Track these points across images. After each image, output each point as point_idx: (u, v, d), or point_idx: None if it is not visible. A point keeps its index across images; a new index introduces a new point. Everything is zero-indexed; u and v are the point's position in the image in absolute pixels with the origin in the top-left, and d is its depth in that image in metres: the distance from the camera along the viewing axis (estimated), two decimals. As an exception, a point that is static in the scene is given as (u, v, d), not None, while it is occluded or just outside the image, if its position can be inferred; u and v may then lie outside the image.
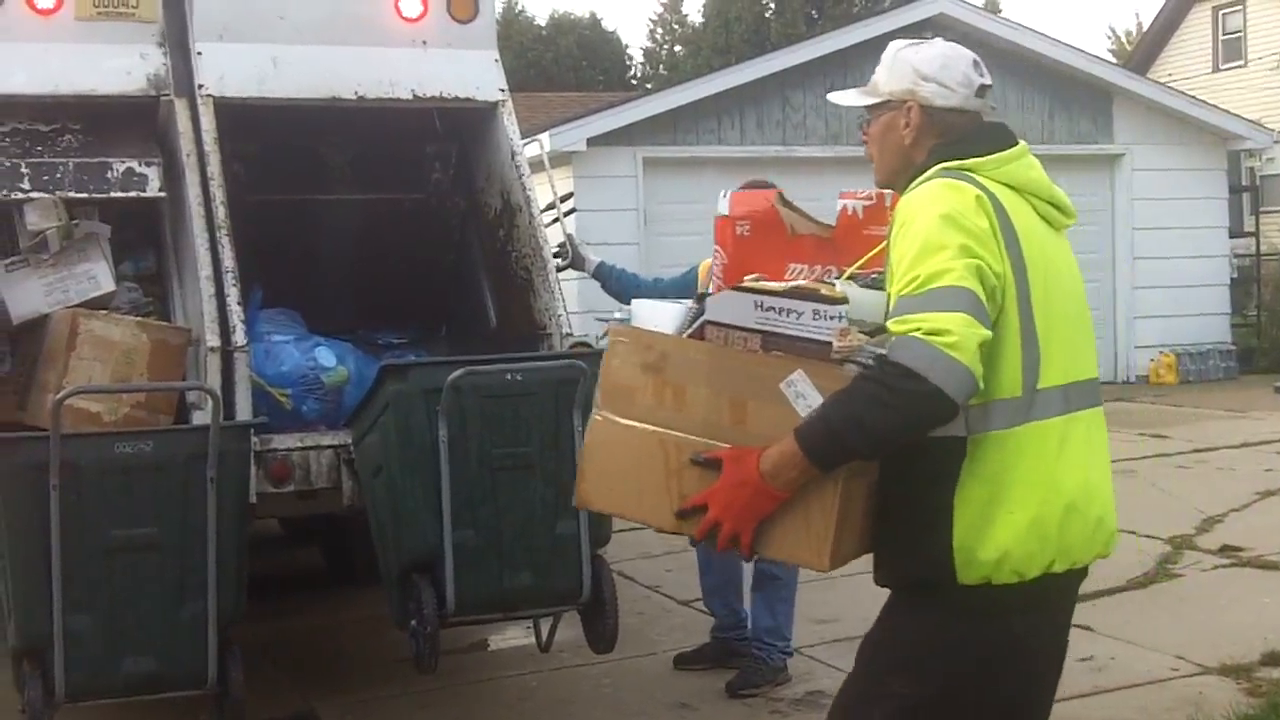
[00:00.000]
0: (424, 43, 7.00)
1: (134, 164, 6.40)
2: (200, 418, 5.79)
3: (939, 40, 3.43)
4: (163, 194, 6.45)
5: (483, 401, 5.36)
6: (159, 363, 6.03)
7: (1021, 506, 3.12)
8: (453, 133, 7.38)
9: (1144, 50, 30.96)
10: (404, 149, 7.42)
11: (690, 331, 3.37)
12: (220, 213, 6.22)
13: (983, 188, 3.16)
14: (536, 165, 7.12)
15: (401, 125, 7.24)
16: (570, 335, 6.45)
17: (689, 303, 3.50)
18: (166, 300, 6.63)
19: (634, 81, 46.54)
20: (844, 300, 3.20)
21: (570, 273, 7.14)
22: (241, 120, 6.67)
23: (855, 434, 2.97)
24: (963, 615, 3.17)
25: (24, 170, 6.26)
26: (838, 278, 3.61)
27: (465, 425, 5.33)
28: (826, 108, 16.93)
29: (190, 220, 6.22)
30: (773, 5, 41.88)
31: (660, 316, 3.53)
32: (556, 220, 7.24)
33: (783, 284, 3.38)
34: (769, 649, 6.50)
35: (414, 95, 6.92)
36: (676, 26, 50.49)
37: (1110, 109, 18.19)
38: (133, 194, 6.41)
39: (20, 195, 6.26)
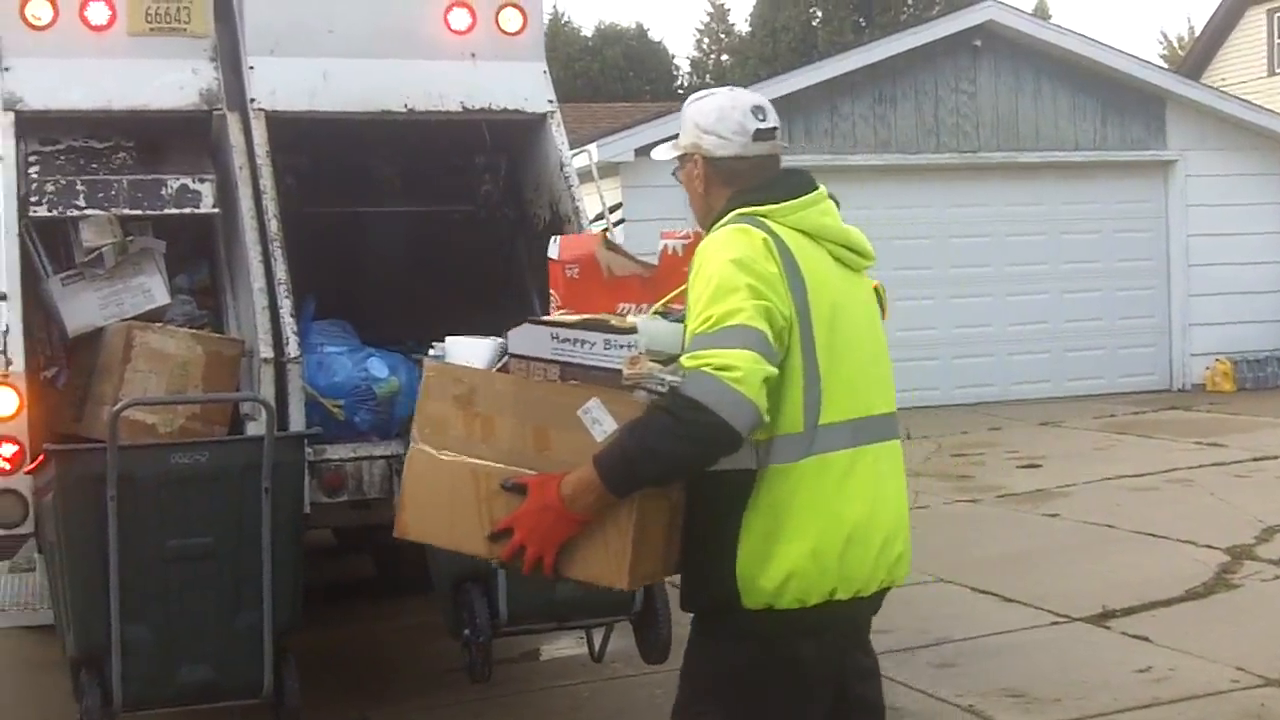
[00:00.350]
0: (473, 55, 7.03)
1: (188, 180, 6.45)
2: (254, 429, 5.82)
3: (723, 91, 3.68)
4: (216, 210, 6.50)
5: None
6: (213, 374, 6.07)
7: (801, 536, 3.31)
8: (502, 144, 7.40)
9: (1197, 55, 30.69)
10: (453, 161, 7.44)
11: (500, 365, 3.55)
12: (273, 225, 6.26)
13: (772, 233, 3.38)
14: (585, 176, 7.13)
15: (451, 137, 7.27)
16: (621, 345, 6.44)
17: (500, 339, 3.65)
18: (220, 312, 6.67)
19: (681, 91, 46.49)
20: (633, 330, 3.39)
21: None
22: (293, 134, 6.72)
23: (647, 463, 3.17)
24: (750, 639, 3.38)
25: (79, 187, 6.32)
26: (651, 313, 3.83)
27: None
28: (875, 116, 16.90)
29: (243, 233, 6.26)
30: (820, 14, 41.81)
31: (472, 352, 3.69)
32: (606, 231, 7.24)
33: (576, 316, 3.61)
34: None
35: (463, 107, 6.95)
36: (723, 36, 50.47)
37: (1163, 114, 18.04)
38: (187, 210, 6.46)
39: (76, 212, 6.32)
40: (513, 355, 3.53)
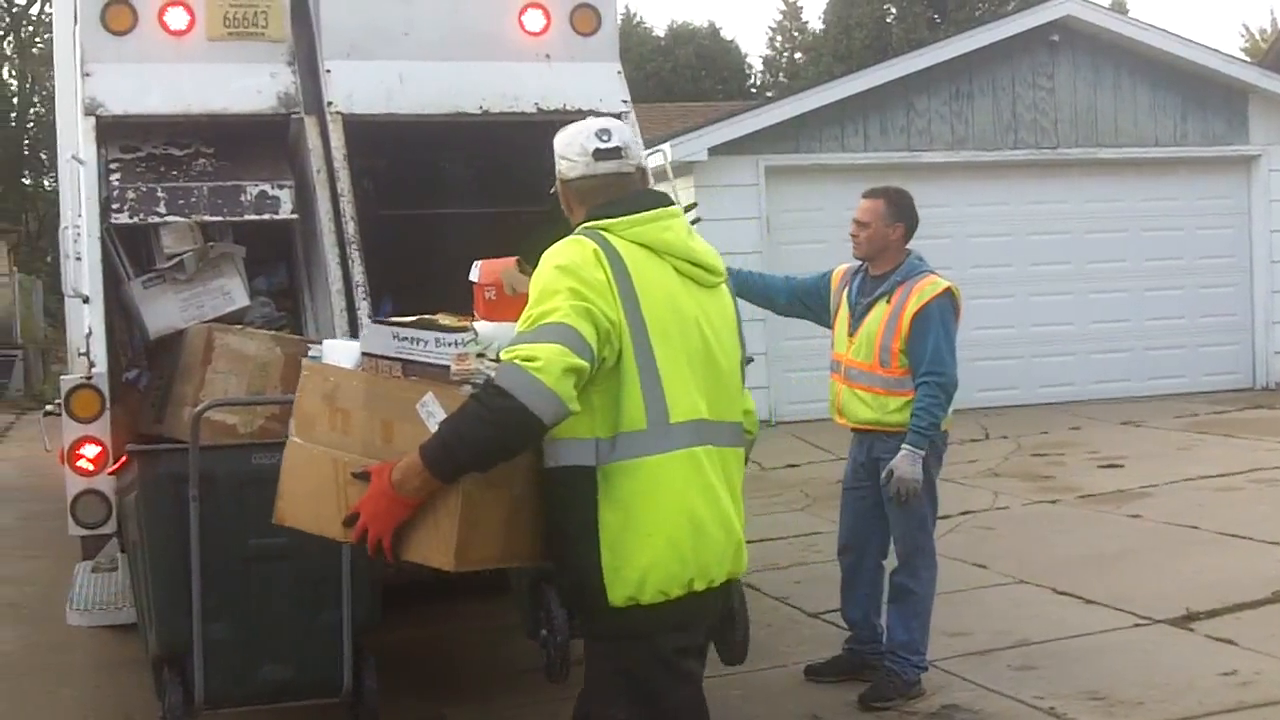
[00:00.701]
0: (547, 56, 7.05)
1: (266, 186, 6.51)
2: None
3: (582, 121, 4.01)
4: (294, 216, 6.54)
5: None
6: (292, 375, 6.07)
7: (656, 529, 3.59)
8: (577, 145, 7.40)
9: None
10: (528, 162, 7.44)
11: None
12: (350, 228, 6.30)
13: (607, 244, 3.68)
14: (659, 175, 7.12)
15: (525, 138, 7.27)
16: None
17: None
18: (299, 314, 6.73)
19: (754, 90, 46.43)
20: (463, 329, 3.70)
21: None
22: (369, 136, 6.76)
23: (461, 447, 3.43)
24: (631, 639, 3.64)
25: (160, 195, 6.38)
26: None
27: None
28: (952, 112, 16.78)
29: (321, 236, 6.31)
30: (894, 10, 41.55)
31: (342, 352, 3.98)
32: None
33: (413, 317, 3.87)
34: (903, 663, 6.43)
35: (538, 108, 6.97)
36: (796, 34, 50.31)
37: (1245, 109, 17.78)
38: (265, 216, 6.51)
39: (156, 219, 6.38)
40: (364, 354, 3.83)
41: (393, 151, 7.08)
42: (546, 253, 3.70)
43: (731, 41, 48.52)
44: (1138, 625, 7.44)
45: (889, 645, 6.54)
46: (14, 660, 7.69)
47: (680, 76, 43.38)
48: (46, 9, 43.00)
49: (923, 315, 6.34)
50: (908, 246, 6.60)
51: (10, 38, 47.31)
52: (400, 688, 6.56)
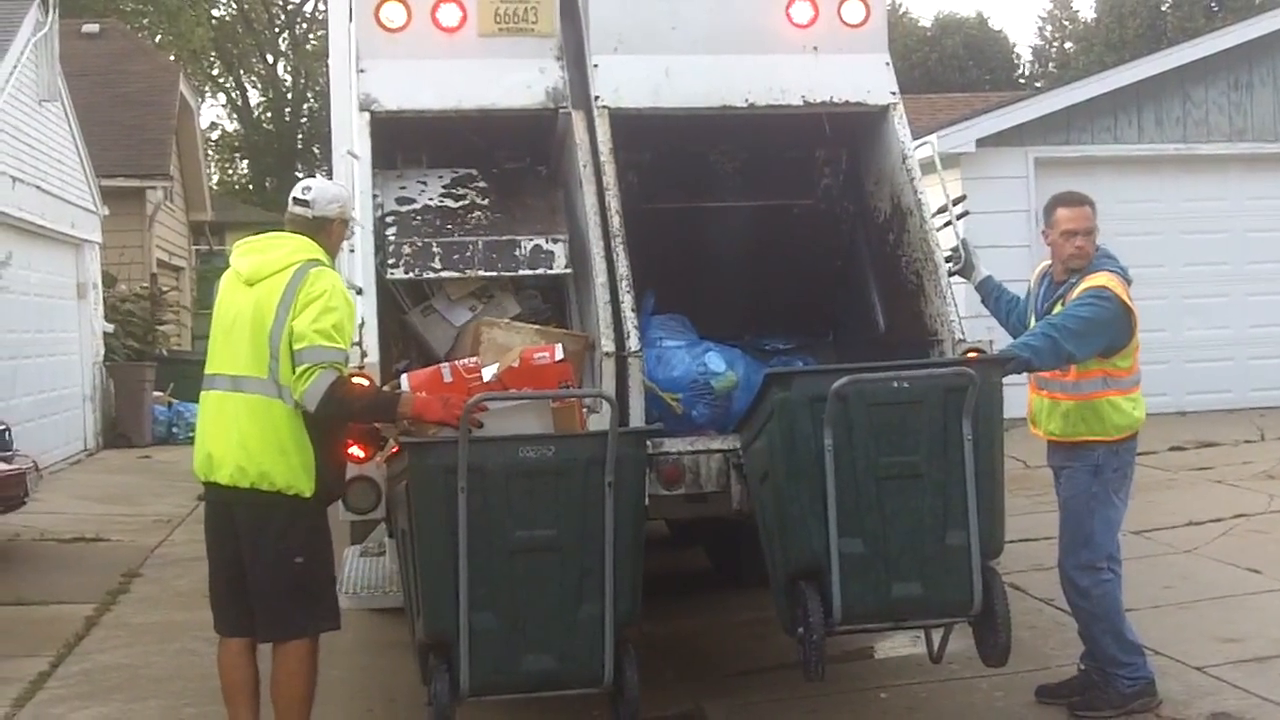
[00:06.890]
0: (814, 48, 6.99)
1: (541, 241, 6.56)
2: (596, 422, 5.91)
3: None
4: (568, 270, 6.59)
5: (869, 409, 5.27)
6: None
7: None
8: (842, 137, 7.34)
9: None
10: (793, 154, 7.41)
11: None
12: (615, 221, 6.34)
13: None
14: (926, 167, 7.00)
15: (791, 131, 7.24)
16: (963, 341, 6.32)
17: None
18: (564, 307, 6.80)
19: (1021, 81, 45.47)
20: None
21: (959, 277, 6.96)
22: (635, 130, 6.79)
23: None
24: None
25: (435, 249, 6.49)
26: None
27: (851, 433, 5.25)
28: (1230, 103, 16.14)
29: (587, 229, 6.36)
30: (1169, -2, 40.23)
31: None
32: (948, 224, 7.09)
33: None
34: (1109, 675, 6.24)
35: (804, 101, 6.92)
36: (1067, 23, 49.06)
37: None
38: (540, 271, 6.57)
39: (431, 274, 6.51)
40: None
41: (658, 145, 7.10)
42: None
43: (999, 31, 47.64)
44: None
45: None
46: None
47: (947, 67, 42.72)
48: (320, 6, 44.51)
49: (1079, 297, 6.12)
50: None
51: (285, 34, 49.09)
52: (659, 679, 6.60)
